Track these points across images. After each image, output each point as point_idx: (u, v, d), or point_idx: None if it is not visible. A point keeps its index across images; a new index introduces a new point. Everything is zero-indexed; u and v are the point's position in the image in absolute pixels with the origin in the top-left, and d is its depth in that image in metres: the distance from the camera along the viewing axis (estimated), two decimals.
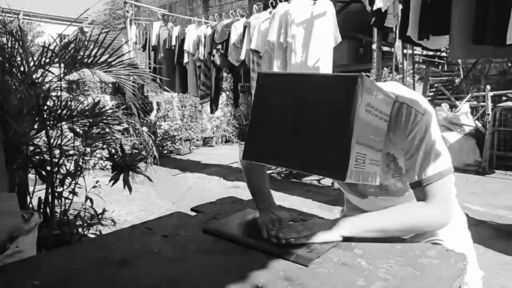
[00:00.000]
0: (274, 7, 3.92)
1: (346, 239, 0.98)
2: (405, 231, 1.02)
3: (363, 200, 1.21)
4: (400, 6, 3.33)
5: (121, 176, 2.15)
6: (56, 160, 2.22)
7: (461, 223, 1.26)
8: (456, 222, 1.18)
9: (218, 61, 4.46)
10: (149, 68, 4.73)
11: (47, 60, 2.23)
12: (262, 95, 0.93)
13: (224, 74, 5.56)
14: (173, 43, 4.91)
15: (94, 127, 2.26)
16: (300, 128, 0.85)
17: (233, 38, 4.22)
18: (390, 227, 0.98)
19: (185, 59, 4.85)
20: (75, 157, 2.27)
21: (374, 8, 3.12)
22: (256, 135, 0.92)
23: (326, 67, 3.50)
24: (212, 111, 4.99)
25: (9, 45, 2.15)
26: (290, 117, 0.86)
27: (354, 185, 1.20)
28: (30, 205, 2.23)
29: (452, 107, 5.12)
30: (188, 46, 4.77)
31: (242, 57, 4.12)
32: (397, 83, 1.10)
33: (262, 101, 0.93)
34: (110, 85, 6.47)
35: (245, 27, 4.14)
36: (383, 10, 3.14)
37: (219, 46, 4.39)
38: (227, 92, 6.70)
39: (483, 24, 2.39)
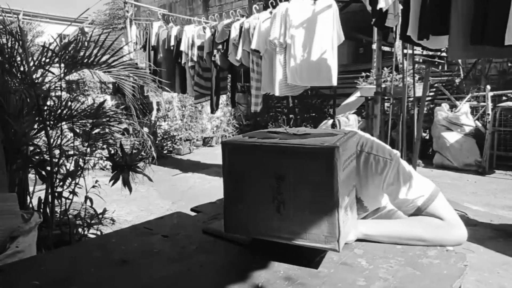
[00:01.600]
0: (274, 7, 3.92)
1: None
2: (421, 243, 0.99)
3: None
4: (401, 6, 3.33)
5: (121, 176, 2.15)
6: (56, 160, 2.21)
7: None
8: None
9: (218, 61, 4.46)
10: (149, 68, 4.73)
11: (47, 60, 2.23)
12: (233, 168, 0.89)
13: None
14: (172, 43, 4.91)
15: (95, 127, 2.26)
16: (282, 203, 0.83)
17: (233, 38, 4.23)
18: (405, 236, 0.98)
19: (183, 60, 4.87)
20: (75, 157, 2.27)
21: (378, 7, 3.11)
22: (236, 210, 0.89)
23: (331, 66, 3.50)
24: (212, 111, 4.99)
25: (9, 45, 2.15)
26: (269, 192, 0.84)
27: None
28: (30, 205, 2.23)
29: (452, 107, 5.12)
30: (184, 46, 4.78)
31: (238, 57, 4.12)
32: (359, 132, 1.11)
33: (234, 175, 0.89)
34: (110, 85, 6.46)
35: (241, 28, 4.14)
36: (383, 10, 3.14)
37: (220, 46, 4.39)
38: (228, 93, 6.70)
39: (482, 25, 2.39)
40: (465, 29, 2.54)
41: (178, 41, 4.85)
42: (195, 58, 4.71)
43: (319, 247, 0.83)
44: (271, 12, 3.88)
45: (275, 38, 3.66)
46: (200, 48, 4.69)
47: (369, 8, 3.34)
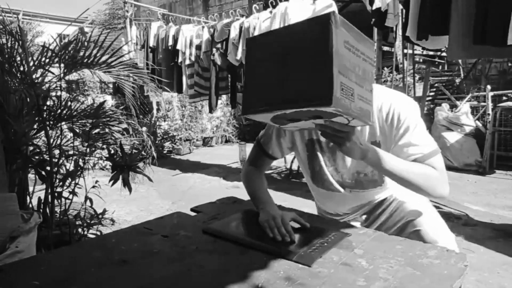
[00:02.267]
0: (274, 6, 3.92)
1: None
2: (412, 185, 1.10)
3: (340, 193, 1.30)
4: (400, 6, 3.33)
5: (121, 176, 2.15)
6: (56, 160, 2.21)
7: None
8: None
9: (218, 61, 4.46)
10: (147, 68, 4.73)
11: (47, 60, 2.23)
12: (251, 56, 1.00)
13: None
14: (170, 43, 4.92)
15: (95, 127, 2.26)
16: (286, 71, 0.90)
17: (232, 38, 4.22)
18: (409, 176, 1.08)
19: (180, 59, 4.87)
20: (75, 157, 2.27)
21: (374, 7, 3.12)
22: (250, 91, 0.98)
23: None
24: (211, 111, 5.00)
25: (9, 45, 2.15)
26: (277, 65, 0.92)
27: (332, 175, 1.28)
28: (30, 205, 2.23)
29: (453, 107, 5.12)
30: (181, 46, 4.77)
31: (238, 57, 4.12)
32: (382, 86, 1.23)
33: (251, 62, 1.00)
34: (111, 85, 6.46)
35: (241, 27, 4.14)
36: (382, 10, 3.14)
37: (219, 45, 4.38)
38: (228, 93, 6.70)
39: (484, 24, 2.39)
40: (465, 29, 2.54)
41: (175, 40, 4.86)
42: (192, 58, 4.71)
43: (315, 105, 0.86)
44: (271, 12, 3.88)
45: None
46: (199, 47, 4.69)
47: (369, 8, 3.35)
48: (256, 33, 3.91)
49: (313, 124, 1.01)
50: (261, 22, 3.91)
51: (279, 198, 3.65)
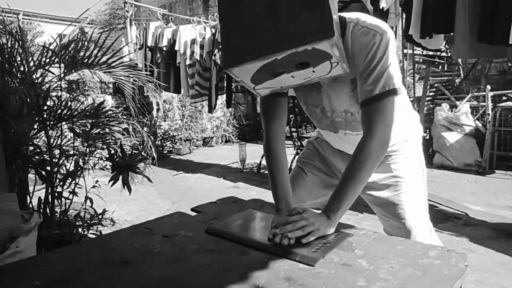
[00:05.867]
0: None
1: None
2: (370, 173, 1.09)
3: (336, 134, 1.31)
4: (400, 8, 3.33)
5: (121, 177, 2.15)
6: (56, 160, 2.21)
7: (417, 135, 1.36)
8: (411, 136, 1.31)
9: (219, 61, 4.46)
10: (145, 68, 4.74)
11: (47, 60, 2.23)
12: (229, 1, 0.90)
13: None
14: (165, 43, 4.93)
15: (95, 127, 2.26)
16: (276, 11, 0.83)
17: None
18: (363, 184, 1.08)
19: (178, 59, 4.87)
20: (75, 157, 2.27)
21: (381, 7, 3.11)
22: (230, 40, 0.88)
23: None
24: (210, 111, 5.00)
25: (9, 45, 2.15)
26: (265, 10, 0.84)
27: (325, 117, 1.27)
28: (30, 205, 2.23)
29: (452, 107, 5.12)
30: (179, 46, 4.78)
31: None
32: (363, 13, 1.13)
33: (230, 7, 0.90)
34: (111, 85, 6.46)
35: None
36: (384, 9, 3.14)
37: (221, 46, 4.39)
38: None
39: (490, 22, 2.37)
40: (471, 27, 2.53)
41: (173, 41, 4.87)
42: (197, 57, 4.70)
43: (311, 41, 0.81)
44: None
45: None
46: (202, 47, 4.69)
47: (370, 7, 3.34)
48: None
49: (290, 82, 0.97)
50: None
51: None
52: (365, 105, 1.07)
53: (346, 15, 1.08)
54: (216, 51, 4.42)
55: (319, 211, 1.08)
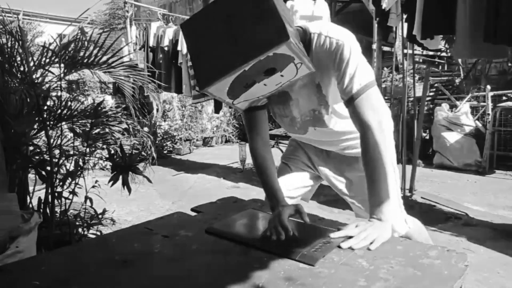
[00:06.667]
0: None
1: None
2: (393, 162, 1.16)
3: (306, 134, 1.37)
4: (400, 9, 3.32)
5: (121, 177, 2.15)
6: (56, 160, 2.21)
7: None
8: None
9: None
10: (147, 68, 4.74)
11: (47, 60, 2.22)
12: (193, 34, 1.01)
13: None
14: (166, 43, 4.92)
15: (95, 127, 2.26)
16: (234, 32, 0.93)
17: None
18: (391, 175, 1.12)
19: (179, 60, 4.86)
20: (75, 157, 2.27)
21: (383, 7, 3.11)
22: (203, 65, 0.99)
23: None
24: (217, 111, 4.99)
25: (9, 45, 2.15)
26: (223, 30, 0.95)
27: (295, 122, 1.34)
28: (30, 205, 2.23)
29: (452, 107, 5.12)
30: (181, 46, 4.77)
31: None
32: (326, 22, 1.27)
33: (194, 38, 1.01)
34: (111, 85, 6.46)
35: None
36: (386, 10, 3.13)
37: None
38: None
39: (495, 21, 2.35)
40: (472, 28, 2.53)
41: (175, 42, 4.86)
42: None
43: (270, 47, 0.89)
44: None
45: None
46: None
47: (371, 7, 3.34)
48: None
49: (264, 90, 1.04)
50: None
51: None
52: (350, 103, 1.13)
53: (309, 26, 1.16)
54: None
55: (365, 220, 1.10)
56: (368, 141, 1.10)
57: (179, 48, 4.78)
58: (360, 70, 1.11)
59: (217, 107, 4.90)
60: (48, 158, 2.16)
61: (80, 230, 2.40)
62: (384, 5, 3.06)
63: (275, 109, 1.37)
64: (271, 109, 1.40)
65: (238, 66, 0.92)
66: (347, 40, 1.11)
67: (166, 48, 4.95)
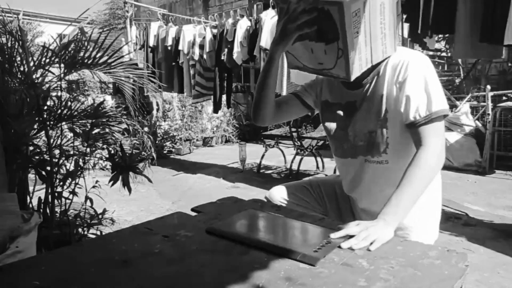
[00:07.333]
0: (274, 7, 3.92)
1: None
2: (427, 186, 1.09)
3: (355, 160, 1.28)
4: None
5: (121, 177, 2.15)
6: (56, 160, 2.21)
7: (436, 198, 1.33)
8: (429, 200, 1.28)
9: (226, 60, 4.45)
10: (147, 68, 4.73)
11: (47, 60, 2.23)
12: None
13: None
14: (169, 43, 4.92)
15: (95, 127, 2.26)
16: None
17: (240, 37, 4.22)
18: (418, 193, 1.07)
19: (181, 59, 4.86)
20: (75, 157, 2.27)
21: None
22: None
23: None
24: (216, 111, 4.99)
25: (9, 45, 2.15)
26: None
27: (346, 140, 1.29)
28: (30, 205, 2.23)
29: (452, 107, 5.12)
30: (182, 46, 4.77)
31: (245, 57, 4.14)
32: (406, 48, 1.25)
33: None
34: (111, 85, 6.46)
35: (248, 27, 4.15)
36: None
37: (229, 46, 4.37)
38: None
39: (491, 22, 2.37)
40: (471, 28, 2.54)
41: (177, 41, 4.86)
42: (196, 57, 4.71)
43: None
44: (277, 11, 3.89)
45: None
46: (202, 47, 4.69)
47: None
48: (263, 32, 3.91)
49: (311, 61, 1.11)
50: (269, 19, 3.90)
51: None
52: (415, 126, 1.11)
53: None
54: (226, 50, 4.40)
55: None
56: (422, 157, 1.07)
57: (180, 47, 4.78)
58: (430, 96, 1.09)
59: (216, 107, 4.89)
60: (48, 158, 2.16)
61: (80, 230, 2.40)
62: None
63: (332, 117, 1.33)
64: (326, 118, 1.36)
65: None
66: (413, 58, 1.11)
67: (169, 48, 4.95)
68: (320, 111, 1.41)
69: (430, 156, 1.07)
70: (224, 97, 4.91)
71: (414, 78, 1.10)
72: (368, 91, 1.22)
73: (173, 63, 5.01)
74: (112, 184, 2.14)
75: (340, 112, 1.30)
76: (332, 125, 1.33)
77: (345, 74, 1.07)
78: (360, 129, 1.24)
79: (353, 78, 1.08)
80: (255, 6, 4.51)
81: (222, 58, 4.43)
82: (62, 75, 2.24)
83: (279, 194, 1.43)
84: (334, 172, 4.26)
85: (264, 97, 1.28)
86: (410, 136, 1.16)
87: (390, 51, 1.14)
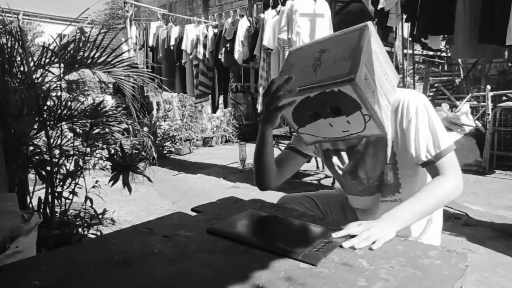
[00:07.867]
0: (274, 7, 3.92)
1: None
2: (438, 207, 1.13)
3: (371, 198, 1.30)
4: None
5: (121, 177, 2.15)
6: (56, 160, 2.21)
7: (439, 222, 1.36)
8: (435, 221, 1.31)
9: (223, 60, 4.45)
10: (147, 67, 4.73)
11: (47, 60, 2.22)
12: (288, 60, 1.14)
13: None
14: (172, 42, 4.91)
15: (95, 127, 2.26)
16: (320, 63, 1.02)
17: (241, 36, 4.22)
18: (428, 208, 1.08)
19: (183, 59, 4.86)
20: (75, 157, 2.27)
21: (378, 7, 3.12)
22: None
23: None
24: (214, 111, 4.99)
25: (9, 45, 2.15)
26: (313, 59, 1.04)
27: (360, 183, 1.29)
28: (30, 205, 2.23)
29: (452, 107, 5.12)
30: (185, 45, 4.76)
31: (246, 57, 4.15)
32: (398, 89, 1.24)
33: (289, 62, 1.13)
34: (111, 85, 6.46)
35: (248, 26, 4.15)
36: (385, 10, 3.14)
37: (228, 44, 4.37)
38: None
39: (490, 23, 2.38)
40: (471, 28, 2.54)
41: (180, 40, 4.85)
42: (200, 56, 4.70)
43: (335, 84, 0.95)
44: (278, 11, 3.90)
45: (283, 38, 3.68)
46: (205, 46, 4.69)
47: (371, 7, 3.35)
48: (265, 31, 3.92)
49: (330, 132, 1.07)
50: (270, 18, 3.91)
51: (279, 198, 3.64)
52: (429, 165, 1.13)
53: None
54: (223, 50, 4.40)
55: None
56: (437, 180, 1.10)
57: (183, 47, 4.78)
58: (438, 132, 1.12)
59: (214, 107, 4.89)
60: (48, 158, 2.16)
61: (80, 230, 2.40)
62: (380, 5, 3.07)
63: (340, 163, 1.34)
64: (333, 167, 1.37)
65: (304, 90, 0.98)
66: (422, 101, 1.13)
67: (172, 48, 4.94)
68: (323, 159, 1.43)
69: (447, 182, 1.09)
70: (221, 97, 4.92)
71: (418, 118, 1.12)
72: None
73: (177, 63, 5.01)
74: (112, 184, 2.13)
75: (345, 159, 1.33)
76: (340, 171, 1.35)
77: (379, 132, 1.08)
78: (371, 173, 1.27)
79: (387, 130, 1.12)
80: (255, 6, 4.50)
81: (219, 57, 4.43)
82: (62, 75, 2.24)
83: (287, 202, 1.46)
84: None
85: (264, 167, 1.30)
86: (420, 173, 1.21)
87: (394, 81, 1.15)
